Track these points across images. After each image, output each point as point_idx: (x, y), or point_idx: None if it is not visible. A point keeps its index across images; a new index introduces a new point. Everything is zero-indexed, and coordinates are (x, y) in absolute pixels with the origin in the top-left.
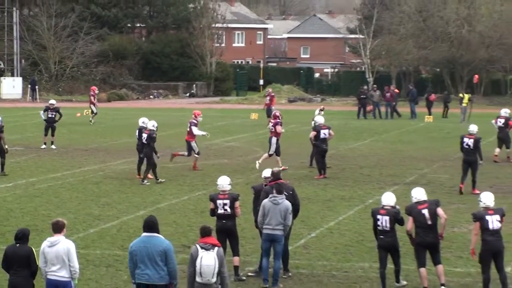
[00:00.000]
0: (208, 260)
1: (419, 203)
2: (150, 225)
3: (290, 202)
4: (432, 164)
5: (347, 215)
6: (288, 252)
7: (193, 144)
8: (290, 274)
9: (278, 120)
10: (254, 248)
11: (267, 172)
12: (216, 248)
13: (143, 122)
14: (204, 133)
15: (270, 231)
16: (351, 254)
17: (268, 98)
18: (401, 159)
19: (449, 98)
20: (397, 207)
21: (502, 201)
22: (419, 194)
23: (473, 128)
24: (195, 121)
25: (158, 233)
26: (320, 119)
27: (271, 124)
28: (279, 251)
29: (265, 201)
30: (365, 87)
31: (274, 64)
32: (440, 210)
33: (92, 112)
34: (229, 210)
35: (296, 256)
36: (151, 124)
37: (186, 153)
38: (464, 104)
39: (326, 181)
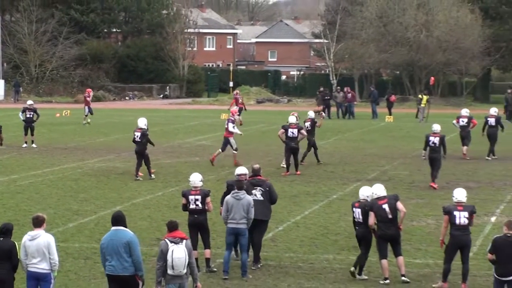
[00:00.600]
0: (179, 253)
1: (379, 198)
2: (117, 219)
3: (266, 198)
4: (392, 162)
5: (312, 210)
6: (261, 245)
7: (232, 140)
8: (260, 265)
9: (231, 118)
10: (224, 241)
11: (240, 170)
12: (184, 241)
13: (144, 124)
14: (239, 132)
15: (235, 225)
16: (316, 247)
17: (237, 99)
18: (363, 156)
19: (390, 96)
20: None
21: None
22: (379, 190)
23: (437, 127)
24: (232, 119)
25: (124, 226)
26: (291, 119)
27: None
28: (245, 244)
29: (228, 197)
30: (322, 88)
31: (243, 67)
32: (399, 204)
33: (90, 112)
34: (200, 205)
35: (265, 248)
36: (142, 123)
37: (220, 150)
38: (422, 105)
39: (292, 178)
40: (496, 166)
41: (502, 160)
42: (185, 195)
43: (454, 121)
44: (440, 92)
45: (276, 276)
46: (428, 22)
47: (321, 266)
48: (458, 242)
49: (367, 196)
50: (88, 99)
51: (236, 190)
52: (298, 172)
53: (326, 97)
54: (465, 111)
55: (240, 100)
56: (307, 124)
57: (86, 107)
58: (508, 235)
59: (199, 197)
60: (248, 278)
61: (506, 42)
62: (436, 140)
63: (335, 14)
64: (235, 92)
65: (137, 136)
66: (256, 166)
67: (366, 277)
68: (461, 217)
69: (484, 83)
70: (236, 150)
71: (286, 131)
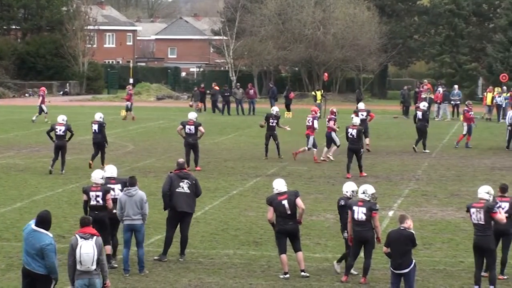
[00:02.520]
0: (87, 248)
1: (279, 194)
2: (40, 220)
3: (193, 191)
4: (291, 157)
5: (213, 205)
6: (187, 237)
7: (335, 136)
8: (184, 257)
9: (316, 115)
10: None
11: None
12: (94, 237)
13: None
14: (287, 128)
15: (130, 222)
16: (217, 242)
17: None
18: (262, 152)
19: (361, 95)
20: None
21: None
22: (279, 185)
23: (356, 119)
24: (317, 116)
25: (47, 229)
26: (191, 115)
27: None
28: (141, 240)
29: (121, 195)
30: (202, 85)
31: (143, 64)
32: (299, 201)
33: (43, 111)
34: (101, 201)
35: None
36: (98, 116)
37: (306, 148)
38: (318, 101)
39: (193, 174)
40: (394, 161)
41: (399, 155)
42: (86, 191)
43: (353, 115)
44: (338, 88)
45: (177, 271)
46: (325, 19)
47: (221, 261)
48: (358, 237)
49: (353, 191)
50: (41, 98)
51: (128, 187)
52: (198, 168)
53: (226, 94)
54: (362, 105)
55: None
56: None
57: (43, 105)
58: (402, 228)
59: (100, 193)
60: (145, 273)
61: (402, 39)
62: (354, 132)
63: (234, 11)
64: (128, 87)
65: (95, 129)
66: (181, 160)
67: (355, 273)
68: (359, 213)
69: (381, 79)
70: (311, 148)
71: (184, 127)
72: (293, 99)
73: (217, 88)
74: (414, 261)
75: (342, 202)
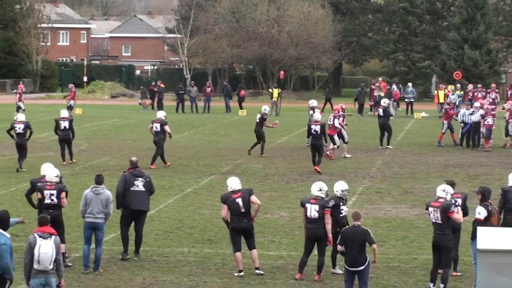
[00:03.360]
0: (46, 248)
1: (233, 192)
2: None
3: (148, 189)
4: (246, 155)
5: (167, 204)
6: (142, 235)
7: (335, 137)
8: (138, 256)
9: (338, 114)
10: (79, 235)
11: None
12: (53, 237)
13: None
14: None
15: (93, 219)
16: (171, 240)
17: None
18: (217, 150)
19: (329, 94)
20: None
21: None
22: (233, 183)
23: (318, 115)
24: (339, 115)
25: (4, 229)
26: (159, 114)
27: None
28: (101, 238)
29: (87, 192)
30: (154, 83)
31: (97, 62)
32: (254, 198)
33: (20, 108)
34: (55, 200)
35: (120, 242)
36: (65, 113)
37: (335, 146)
38: (274, 99)
39: (148, 172)
40: (348, 159)
41: (353, 153)
42: (40, 190)
43: (311, 112)
44: (293, 86)
45: (131, 270)
46: (280, 17)
47: (176, 259)
48: (311, 234)
49: (343, 190)
50: (19, 95)
51: (95, 185)
52: (152, 166)
53: (180, 92)
54: (314, 102)
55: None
56: (258, 115)
57: (20, 103)
58: (356, 225)
59: (54, 192)
60: (99, 272)
61: (356, 37)
62: (317, 128)
63: (188, 9)
64: (70, 85)
65: (64, 125)
66: (134, 158)
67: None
68: (312, 210)
69: (336, 77)
70: (338, 147)
71: (153, 125)
72: (248, 97)
73: (162, 85)
74: (368, 258)
75: (332, 203)
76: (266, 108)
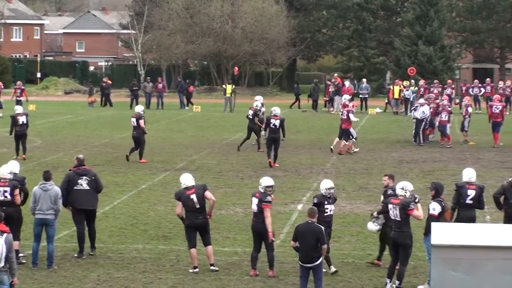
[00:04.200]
0: None
1: (187, 188)
2: None
3: (93, 187)
4: (200, 151)
5: (121, 200)
6: (95, 232)
7: (352, 130)
8: (94, 250)
9: (352, 109)
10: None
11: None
12: (5, 234)
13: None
14: (356, 119)
15: (42, 216)
16: (126, 237)
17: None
18: (171, 146)
19: (298, 90)
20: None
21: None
22: (187, 180)
23: (277, 110)
24: (353, 110)
25: None
26: (137, 108)
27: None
28: (52, 235)
29: (36, 188)
30: (135, 81)
31: (51, 58)
32: (208, 193)
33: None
34: (9, 197)
35: (74, 239)
36: (20, 109)
37: (349, 142)
38: (227, 95)
39: (102, 168)
40: (303, 155)
41: (308, 149)
42: None
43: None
44: (247, 82)
45: (85, 266)
46: (234, 13)
47: (130, 256)
48: (253, 228)
49: (327, 189)
50: None
51: (43, 181)
52: (143, 160)
53: (134, 88)
54: (260, 98)
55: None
56: (250, 112)
57: None
58: (310, 222)
59: (8, 188)
60: (53, 269)
61: (310, 33)
62: (276, 122)
63: (142, 5)
64: (18, 83)
65: (22, 121)
66: (81, 156)
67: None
68: (253, 204)
69: (290, 73)
70: (356, 138)
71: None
72: (203, 93)
73: (109, 82)
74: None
75: (315, 200)
76: (258, 104)
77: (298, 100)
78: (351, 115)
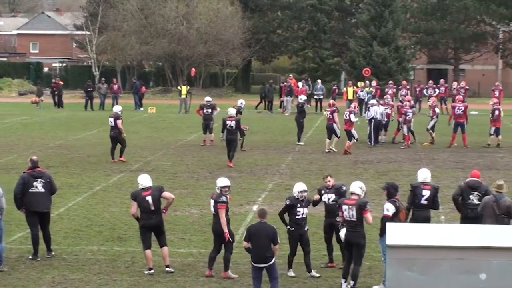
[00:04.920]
0: None
1: (144, 189)
2: None
3: (48, 189)
4: (155, 152)
5: (76, 202)
6: (50, 234)
7: (353, 131)
8: (53, 253)
9: (334, 109)
10: None
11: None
12: None
13: None
14: (356, 119)
15: None
16: (80, 238)
17: None
18: (126, 148)
19: (264, 91)
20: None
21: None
22: (144, 181)
23: (232, 111)
24: (355, 111)
25: None
26: (115, 108)
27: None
28: (0, 235)
29: None
30: (90, 82)
31: (5, 59)
32: (166, 193)
33: None
34: None
35: (28, 241)
36: None
37: (354, 139)
38: (183, 96)
39: (56, 170)
40: (258, 156)
41: (263, 149)
42: None
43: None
44: (202, 83)
45: (40, 268)
46: (189, 14)
47: (85, 258)
48: (213, 230)
49: (299, 191)
50: None
51: None
52: (121, 158)
53: (89, 89)
54: (207, 98)
55: None
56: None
57: None
58: (262, 222)
59: None
60: (3, 270)
61: (265, 34)
62: (232, 123)
63: (96, 6)
64: None
65: None
66: (35, 158)
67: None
68: (211, 205)
69: (245, 74)
70: (357, 139)
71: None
72: (158, 94)
73: (61, 82)
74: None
75: (288, 202)
76: (242, 102)
77: (263, 101)
78: (352, 116)
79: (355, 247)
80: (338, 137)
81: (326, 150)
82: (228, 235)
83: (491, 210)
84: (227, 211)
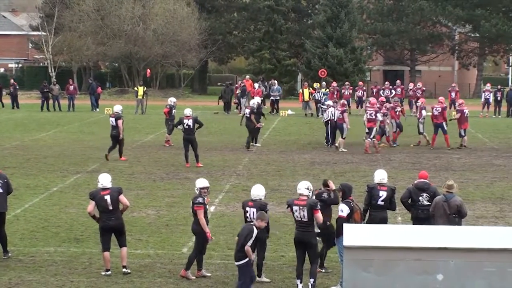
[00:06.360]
0: None
1: (103, 189)
2: None
3: (5, 189)
4: (112, 153)
5: (33, 203)
6: (6, 235)
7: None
8: (9, 254)
9: (345, 108)
10: None
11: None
12: None
13: None
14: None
15: None
16: (37, 239)
17: None
18: (82, 148)
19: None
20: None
21: (180, 186)
22: (105, 180)
23: (188, 110)
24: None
25: None
26: (115, 108)
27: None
28: None
29: None
30: (45, 83)
31: None
32: (123, 198)
33: None
34: None
35: None
36: None
37: (369, 139)
38: (139, 97)
39: (12, 171)
40: (215, 156)
41: (220, 150)
42: None
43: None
44: (159, 84)
45: None
46: (145, 15)
47: (42, 259)
48: (192, 231)
49: (257, 195)
50: None
51: None
52: (123, 158)
53: (45, 90)
54: (171, 100)
55: None
56: (247, 110)
57: None
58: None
59: None
60: None
61: (222, 35)
62: (190, 122)
63: (52, 7)
64: None
65: None
66: None
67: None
68: (191, 208)
69: (202, 75)
70: (344, 138)
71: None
72: (114, 95)
73: (15, 83)
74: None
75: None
76: (254, 102)
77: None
78: (378, 115)
79: (308, 247)
80: (344, 138)
81: (342, 150)
82: (210, 235)
83: (442, 210)
84: (205, 212)
